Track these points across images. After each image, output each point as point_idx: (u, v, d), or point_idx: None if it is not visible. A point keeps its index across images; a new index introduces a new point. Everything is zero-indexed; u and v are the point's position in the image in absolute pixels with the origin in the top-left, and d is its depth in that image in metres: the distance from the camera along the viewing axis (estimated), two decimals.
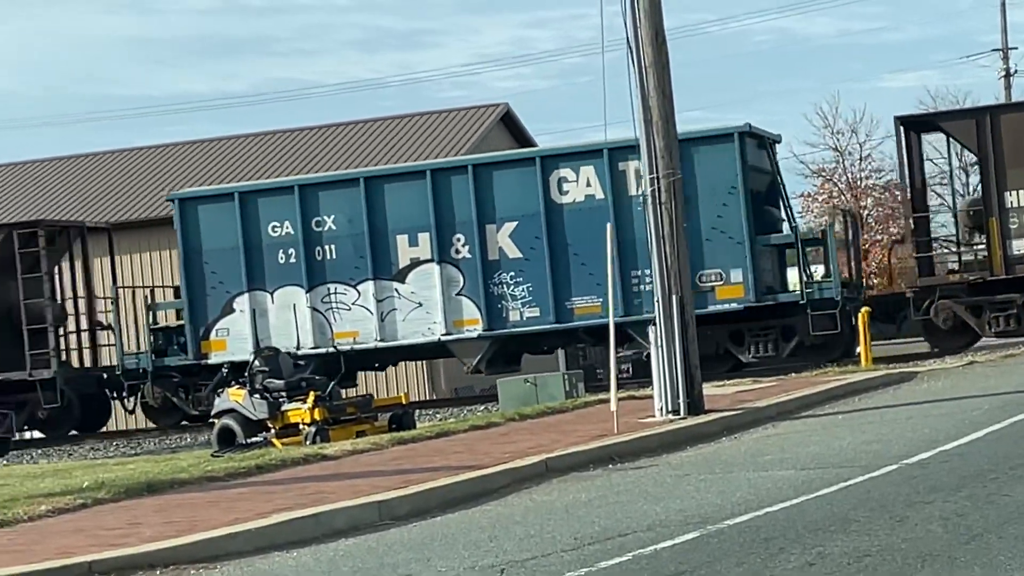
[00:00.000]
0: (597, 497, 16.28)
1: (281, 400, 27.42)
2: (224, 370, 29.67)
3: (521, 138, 57.72)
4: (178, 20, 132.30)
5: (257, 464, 21.66)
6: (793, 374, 33.60)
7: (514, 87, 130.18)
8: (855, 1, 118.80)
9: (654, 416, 23.56)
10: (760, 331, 36.11)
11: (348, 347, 35.25)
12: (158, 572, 13.63)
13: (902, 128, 38.59)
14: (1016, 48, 68.76)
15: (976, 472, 15.11)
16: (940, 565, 9.94)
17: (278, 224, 35.99)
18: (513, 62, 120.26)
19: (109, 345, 40.00)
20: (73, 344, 39.32)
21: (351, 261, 35.36)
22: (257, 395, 27.69)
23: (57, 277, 37.67)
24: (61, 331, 37.87)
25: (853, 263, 39.54)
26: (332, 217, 35.96)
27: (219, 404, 28.69)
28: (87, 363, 39.43)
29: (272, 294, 36.06)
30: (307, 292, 35.83)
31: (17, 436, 37.91)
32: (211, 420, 29.30)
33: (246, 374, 28.45)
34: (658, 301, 24.29)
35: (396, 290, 34.79)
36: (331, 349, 34.42)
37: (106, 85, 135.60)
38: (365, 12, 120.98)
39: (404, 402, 30.75)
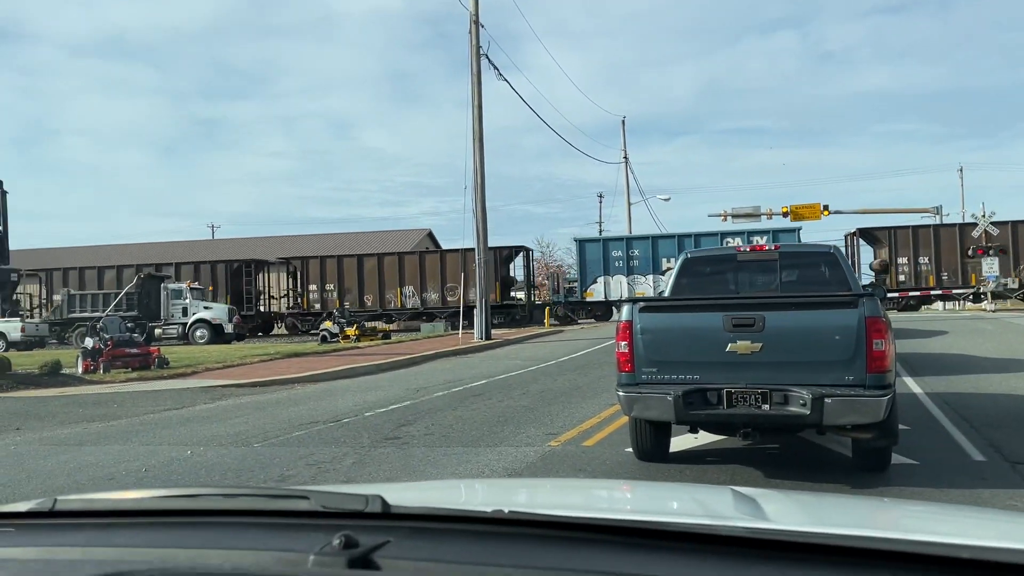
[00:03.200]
0: (453, 366, 18.63)
1: (344, 325, 29.28)
2: (335, 311, 30.98)
3: (436, 243, 57.88)
4: None
5: (334, 349, 24.26)
6: (522, 328, 35.19)
7: (435, 221, 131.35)
8: (552, 200, 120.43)
9: (474, 340, 25.93)
10: None
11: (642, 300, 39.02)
12: (296, 385, 15.64)
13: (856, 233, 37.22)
14: (604, 222, 69.60)
15: (581, 365, 17.40)
16: (569, 393, 12.45)
17: (616, 252, 37.38)
18: (435, 214, 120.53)
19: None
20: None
21: (645, 266, 36.35)
22: (334, 323, 29.60)
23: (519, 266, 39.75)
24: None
25: None
26: (639, 250, 37.03)
27: (321, 326, 30.35)
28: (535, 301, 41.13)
29: (611, 277, 37.23)
30: (626, 276, 36.97)
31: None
32: (318, 332, 30.31)
33: (334, 313, 30.62)
34: (479, 299, 26.87)
35: (660, 279, 35.61)
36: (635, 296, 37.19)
37: None
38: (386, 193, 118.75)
39: (389, 329, 33.09)
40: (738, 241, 34.38)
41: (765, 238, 34.54)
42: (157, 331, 33.77)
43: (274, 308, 42.56)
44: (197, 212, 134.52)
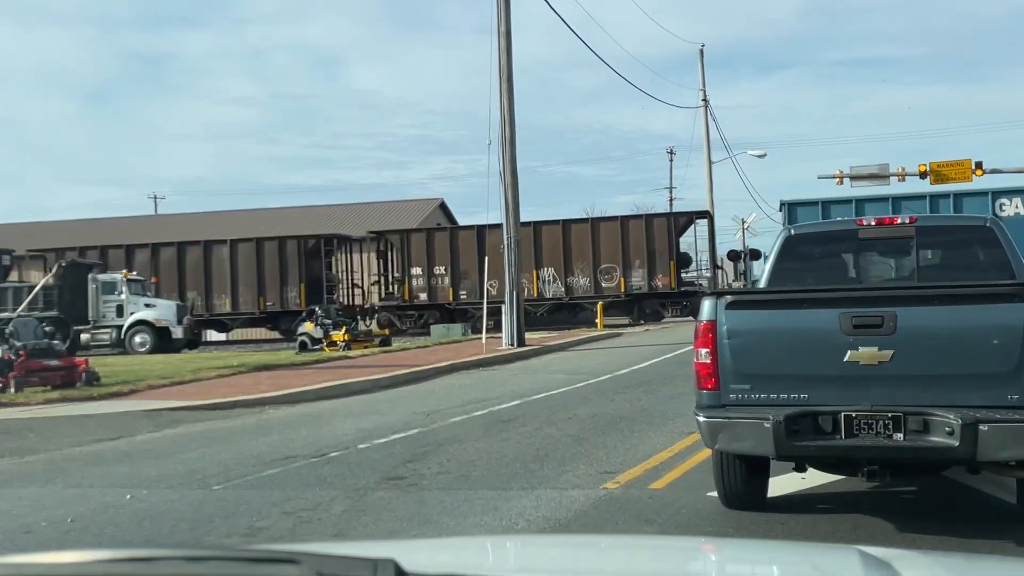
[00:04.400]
0: (474, 382, 18.86)
1: (329, 328, 29.72)
2: (317, 310, 31.25)
3: (450, 217, 58.58)
4: None
5: (316, 359, 24.46)
6: (567, 328, 35.18)
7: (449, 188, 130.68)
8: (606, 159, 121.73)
9: (502, 346, 25.90)
10: None
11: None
12: (268, 407, 15.82)
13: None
14: (676, 187, 71.64)
15: (648, 380, 17.45)
16: (631, 419, 12.52)
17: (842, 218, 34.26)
18: (449, 178, 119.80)
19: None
20: None
21: None
22: (318, 326, 30.07)
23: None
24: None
25: None
26: (873, 215, 33.27)
27: (300, 330, 30.85)
28: None
29: None
30: None
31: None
32: (295, 338, 30.93)
33: (315, 315, 30.85)
34: (507, 291, 26.76)
35: None
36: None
37: None
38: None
39: (387, 333, 33.29)
40: (1017, 203, 31.35)
41: None
42: (84, 336, 34.05)
43: (357, 300, 42.69)
44: (134, 178, 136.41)
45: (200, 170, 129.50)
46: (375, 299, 42.03)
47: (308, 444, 11.58)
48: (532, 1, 28.40)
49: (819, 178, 46.04)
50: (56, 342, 21.38)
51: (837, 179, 41.28)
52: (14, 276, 40.16)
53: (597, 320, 36.07)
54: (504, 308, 26.77)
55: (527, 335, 27.72)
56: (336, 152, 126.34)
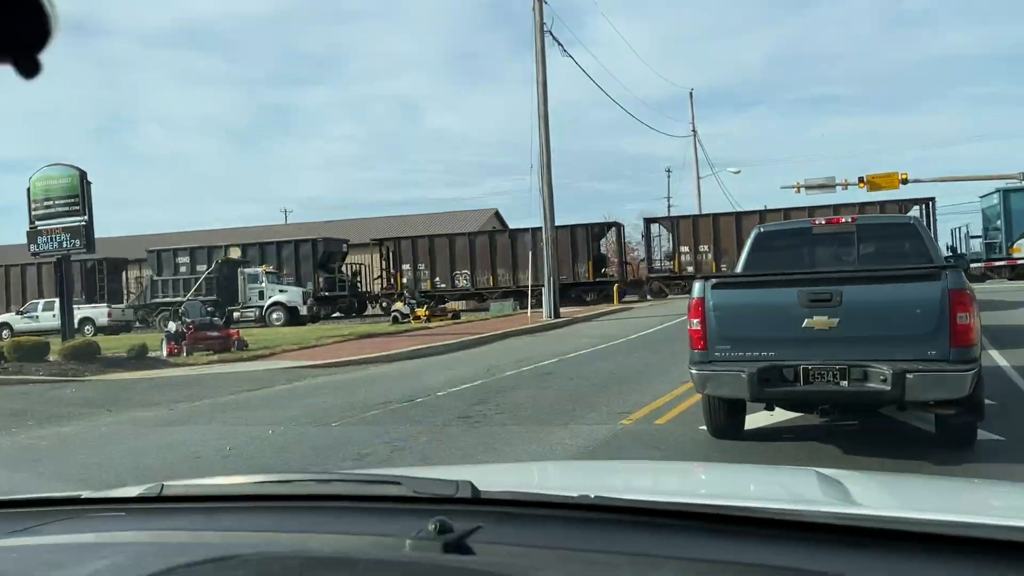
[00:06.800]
0: (524, 345, 18.55)
1: (414, 306, 29.48)
2: (405, 292, 30.92)
3: (503, 222, 55.50)
4: None
5: (405, 329, 24.42)
6: (591, 306, 33.11)
7: (501, 200, 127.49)
8: (618, 176, 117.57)
9: (543, 319, 25.34)
10: None
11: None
12: (369, 365, 15.85)
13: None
14: (672, 197, 66.40)
15: (650, 343, 17.12)
16: (640, 371, 12.41)
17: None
18: (501, 193, 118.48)
19: None
20: None
21: None
22: (406, 304, 29.86)
23: None
24: None
25: None
26: None
27: (393, 308, 30.77)
28: None
29: None
30: None
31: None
32: (391, 313, 30.66)
33: (403, 295, 30.78)
34: (547, 278, 26.14)
35: None
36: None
37: None
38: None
39: (457, 309, 32.82)
40: None
41: None
42: (235, 314, 34.26)
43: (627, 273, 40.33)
44: (271, 198, 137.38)
45: (317, 190, 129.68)
46: (644, 272, 39.19)
47: (400, 392, 11.56)
48: (564, 59, 27.85)
49: (781, 188, 45.16)
50: (215, 318, 21.70)
51: (795, 189, 40.46)
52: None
53: (614, 297, 34.66)
54: (544, 290, 26.16)
55: (561, 309, 27.46)
56: (417, 175, 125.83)
